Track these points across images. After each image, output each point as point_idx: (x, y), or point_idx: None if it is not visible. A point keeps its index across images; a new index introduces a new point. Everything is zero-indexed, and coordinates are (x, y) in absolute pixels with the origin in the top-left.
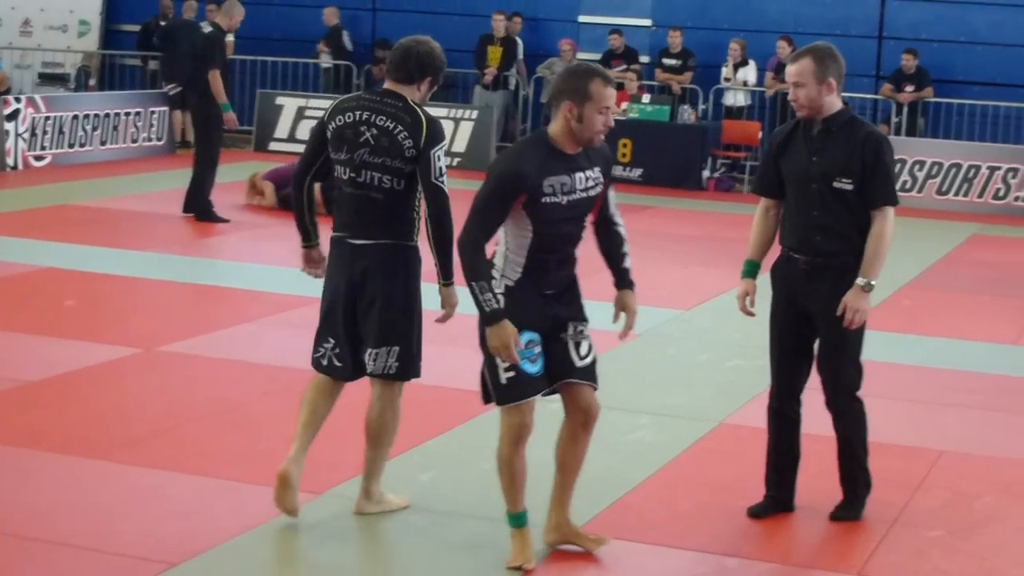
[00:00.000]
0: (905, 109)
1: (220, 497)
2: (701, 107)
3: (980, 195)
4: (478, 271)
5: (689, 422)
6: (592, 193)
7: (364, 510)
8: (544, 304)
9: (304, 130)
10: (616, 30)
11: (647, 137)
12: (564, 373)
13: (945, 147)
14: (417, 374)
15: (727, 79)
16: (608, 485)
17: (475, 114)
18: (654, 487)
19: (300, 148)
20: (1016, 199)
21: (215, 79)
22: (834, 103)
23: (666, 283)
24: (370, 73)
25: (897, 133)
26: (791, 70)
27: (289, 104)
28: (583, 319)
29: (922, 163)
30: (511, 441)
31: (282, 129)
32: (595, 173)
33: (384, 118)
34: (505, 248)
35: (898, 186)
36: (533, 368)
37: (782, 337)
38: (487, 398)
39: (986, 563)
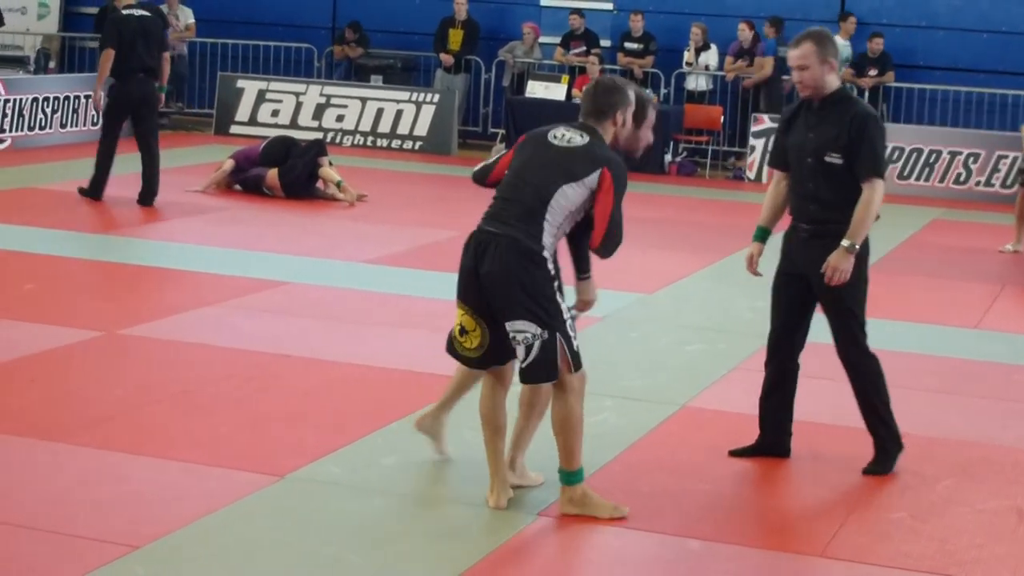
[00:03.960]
0: (867, 94)
1: (181, 480)
2: (663, 91)
3: (941, 180)
4: None
5: (651, 405)
6: None
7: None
8: None
9: (265, 113)
10: (576, 10)
11: None
12: None
13: (906, 132)
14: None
15: (689, 63)
16: None
17: (437, 98)
18: (616, 470)
19: (260, 131)
20: (977, 184)
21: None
22: (833, 82)
23: (628, 267)
24: (331, 56)
25: None
26: (794, 54)
27: (250, 87)
28: None
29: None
30: (582, 400)
31: (243, 112)
32: None
33: None
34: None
35: None
36: None
37: (779, 298)
38: (555, 372)
39: (947, 545)
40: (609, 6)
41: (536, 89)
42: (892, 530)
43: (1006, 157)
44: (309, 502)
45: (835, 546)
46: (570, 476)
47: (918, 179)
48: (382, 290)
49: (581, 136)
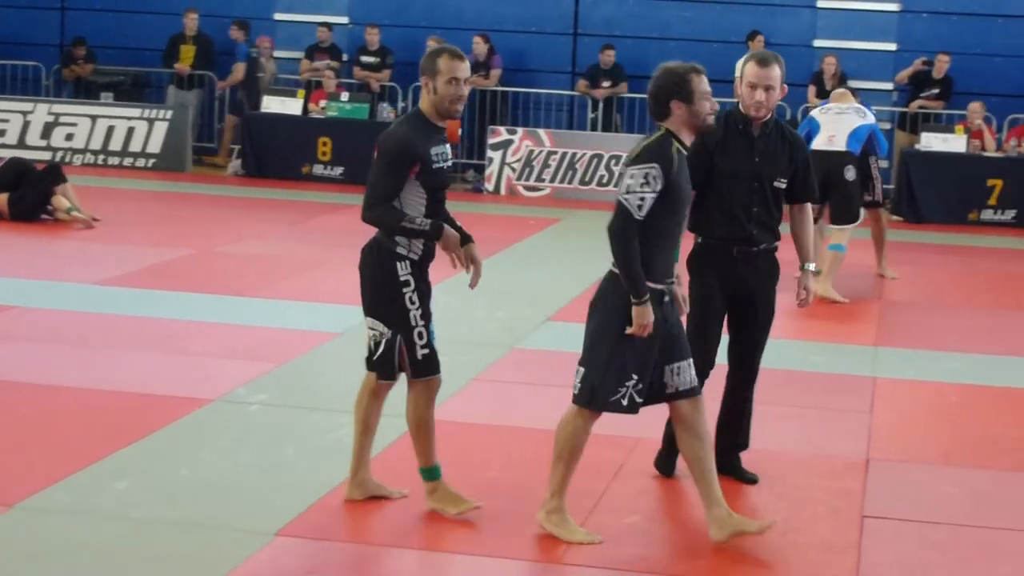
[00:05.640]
0: (601, 105)
1: None
2: (400, 105)
3: None
4: (401, 224)
5: (391, 419)
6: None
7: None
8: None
9: None
10: (325, 24)
11: (347, 135)
12: None
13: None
14: (596, 406)
15: None
16: (308, 486)
17: (169, 114)
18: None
19: None
20: None
21: None
22: None
23: None
24: (60, 74)
25: (594, 128)
26: (763, 74)
27: None
28: None
29: (619, 158)
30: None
31: None
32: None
33: None
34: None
35: (594, 182)
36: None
37: (709, 322)
38: (394, 374)
39: (679, 546)
40: (345, 20)
41: (272, 104)
42: (626, 534)
43: None
44: (38, 531)
45: (572, 552)
46: (429, 472)
47: None
48: (113, 312)
49: None
